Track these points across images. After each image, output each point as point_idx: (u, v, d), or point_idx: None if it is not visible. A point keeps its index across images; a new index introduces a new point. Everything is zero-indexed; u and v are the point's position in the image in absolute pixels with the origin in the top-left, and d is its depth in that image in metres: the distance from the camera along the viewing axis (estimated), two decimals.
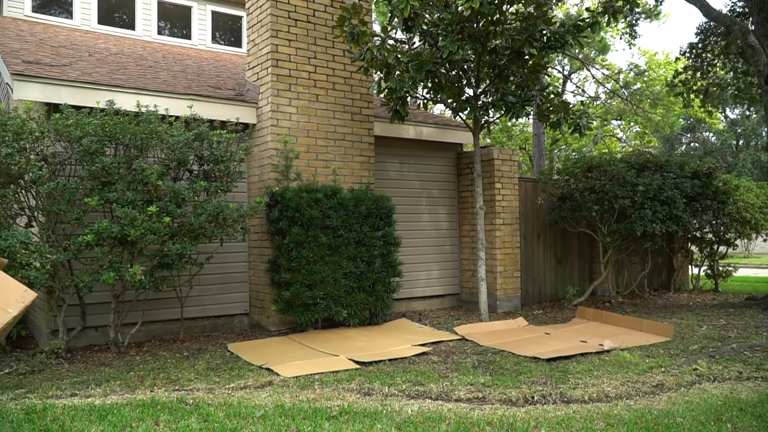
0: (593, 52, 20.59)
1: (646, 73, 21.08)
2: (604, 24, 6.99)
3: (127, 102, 6.18)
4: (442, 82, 7.05)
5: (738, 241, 11.84)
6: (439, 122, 8.79)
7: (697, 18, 70.15)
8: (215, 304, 6.91)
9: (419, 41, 7.21)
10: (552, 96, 7.30)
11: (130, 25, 10.21)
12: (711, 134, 34.68)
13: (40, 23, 9.26)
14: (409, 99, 7.38)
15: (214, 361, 5.43)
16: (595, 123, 22.82)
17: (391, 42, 6.90)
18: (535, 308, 8.67)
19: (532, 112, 7.64)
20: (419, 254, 8.46)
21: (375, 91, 7.32)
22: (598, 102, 22.28)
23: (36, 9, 9.43)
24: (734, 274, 11.13)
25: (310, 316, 6.46)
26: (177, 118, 6.15)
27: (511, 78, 7.08)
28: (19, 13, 9.27)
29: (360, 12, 6.49)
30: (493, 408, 4.02)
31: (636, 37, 15.52)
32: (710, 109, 16.66)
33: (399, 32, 7.11)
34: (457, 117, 7.94)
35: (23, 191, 5.38)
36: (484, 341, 6.20)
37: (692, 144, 35.30)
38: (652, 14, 16.25)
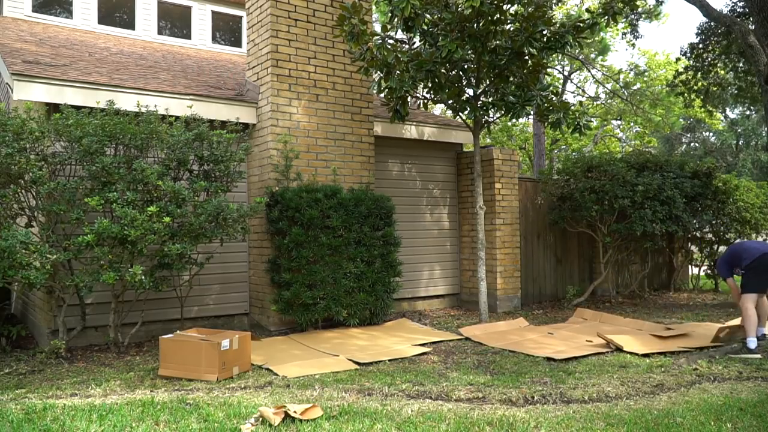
0: (593, 53, 20.59)
1: (646, 74, 21.08)
2: (604, 25, 7.00)
3: (127, 102, 6.18)
4: (442, 82, 7.05)
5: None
6: (440, 122, 8.79)
7: (697, 18, 70.14)
8: (215, 304, 6.91)
9: (419, 41, 7.21)
10: (552, 96, 7.30)
11: (130, 25, 10.22)
12: (711, 134, 34.68)
13: (40, 23, 9.26)
14: (409, 99, 7.38)
15: None
16: (595, 123, 22.81)
17: (391, 41, 6.90)
18: (535, 308, 8.67)
19: (532, 112, 7.63)
20: (419, 254, 8.46)
21: (375, 91, 7.32)
22: (598, 102, 22.27)
23: (36, 9, 9.44)
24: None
25: (310, 316, 6.46)
26: (177, 118, 6.15)
27: (511, 78, 7.07)
28: (19, 13, 9.27)
29: (360, 11, 6.49)
30: (493, 408, 4.02)
31: (638, 37, 15.51)
32: (711, 109, 16.67)
33: (399, 32, 7.11)
34: (457, 117, 7.94)
35: (23, 191, 5.37)
36: (491, 342, 6.18)
37: (692, 144, 35.29)
38: (653, 15, 16.23)
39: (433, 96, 7.48)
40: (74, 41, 8.49)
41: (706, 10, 9.93)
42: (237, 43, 11.35)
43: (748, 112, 29.54)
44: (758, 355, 5.46)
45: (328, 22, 7.30)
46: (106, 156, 5.29)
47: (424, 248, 8.52)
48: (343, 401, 4.11)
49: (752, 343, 5.64)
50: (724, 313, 8.06)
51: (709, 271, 11.01)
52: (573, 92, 22.89)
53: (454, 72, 7.14)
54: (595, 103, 22.17)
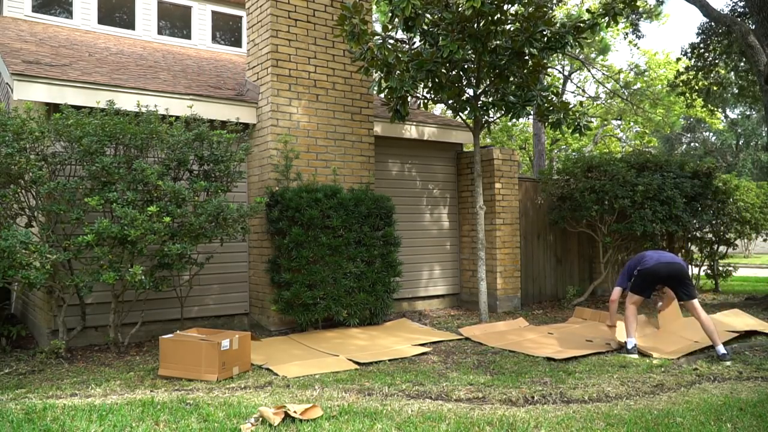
0: (594, 53, 20.58)
1: (647, 73, 21.07)
2: (604, 26, 7.00)
3: (127, 102, 6.18)
4: (442, 82, 7.05)
5: (738, 241, 11.84)
6: (440, 122, 8.79)
7: (698, 18, 70.14)
8: (215, 304, 6.91)
9: (419, 41, 7.21)
10: (552, 96, 7.30)
11: (130, 25, 10.22)
12: (711, 134, 34.69)
13: (40, 23, 9.26)
14: (409, 98, 7.37)
15: None
16: (595, 123, 22.81)
17: (391, 41, 6.89)
18: (535, 308, 8.67)
19: (532, 112, 7.63)
20: (419, 254, 8.46)
21: (375, 91, 7.31)
22: (598, 102, 22.27)
23: (36, 9, 9.44)
24: (734, 273, 11.13)
25: (310, 316, 6.46)
26: (177, 118, 6.15)
27: (512, 78, 7.07)
28: (19, 13, 9.28)
29: (360, 11, 6.49)
30: (493, 408, 4.02)
31: (641, 37, 15.49)
32: (712, 108, 16.66)
33: (399, 32, 7.11)
34: (458, 117, 7.94)
35: (23, 191, 5.37)
36: (491, 342, 6.18)
37: (692, 144, 35.30)
38: (653, 15, 16.23)
39: (433, 96, 7.47)
40: (74, 41, 8.49)
41: (706, 10, 9.92)
42: (237, 43, 11.35)
43: (748, 112, 29.55)
44: (636, 356, 5.48)
45: (328, 22, 7.30)
46: (106, 156, 5.28)
47: (424, 248, 8.52)
48: (343, 401, 4.11)
49: (630, 342, 5.62)
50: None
51: (709, 271, 11.02)
52: (573, 92, 22.90)
53: (454, 72, 7.14)
54: (595, 103, 22.16)
